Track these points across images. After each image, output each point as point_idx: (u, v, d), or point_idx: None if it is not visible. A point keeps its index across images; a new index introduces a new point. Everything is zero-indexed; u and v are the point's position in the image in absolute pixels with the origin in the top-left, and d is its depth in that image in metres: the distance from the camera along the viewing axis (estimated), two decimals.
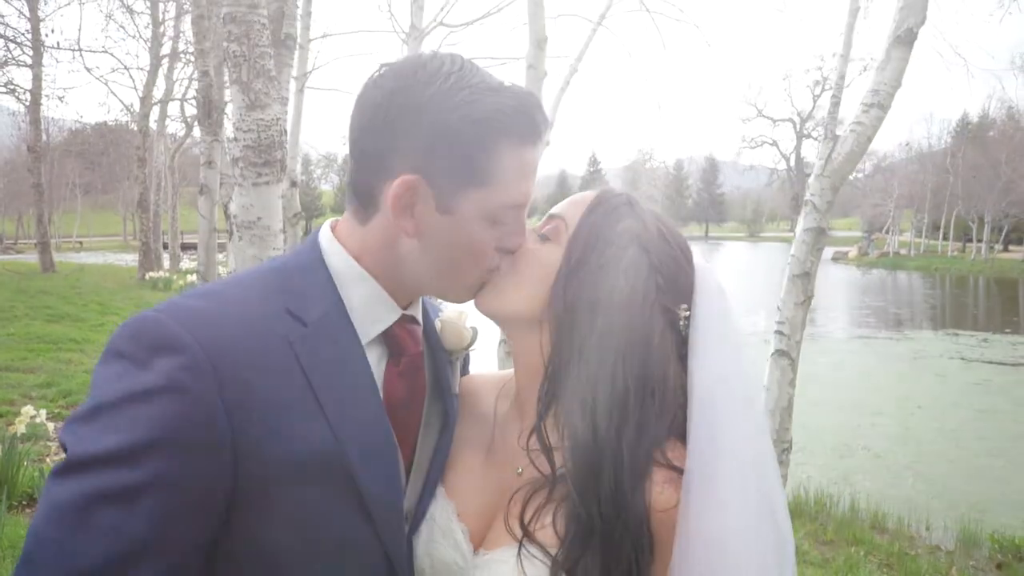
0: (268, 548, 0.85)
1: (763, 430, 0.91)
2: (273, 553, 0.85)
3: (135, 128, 21.40)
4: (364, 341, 0.94)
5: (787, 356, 3.35)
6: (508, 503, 0.95)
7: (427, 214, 0.92)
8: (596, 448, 0.87)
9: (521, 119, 0.91)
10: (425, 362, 1.05)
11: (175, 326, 0.82)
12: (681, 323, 0.95)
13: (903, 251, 51.32)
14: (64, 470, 0.78)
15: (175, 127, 23.90)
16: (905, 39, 3.25)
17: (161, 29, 19.05)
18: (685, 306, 0.95)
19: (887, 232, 55.58)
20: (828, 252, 55.36)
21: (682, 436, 0.89)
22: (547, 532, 0.90)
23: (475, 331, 1.13)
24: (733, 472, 0.83)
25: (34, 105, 20.60)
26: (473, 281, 0.99)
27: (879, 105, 3.28)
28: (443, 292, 1.02)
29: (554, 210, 1.04)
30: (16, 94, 21.08)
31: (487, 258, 0.97)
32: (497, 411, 1.08)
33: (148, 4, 18.42)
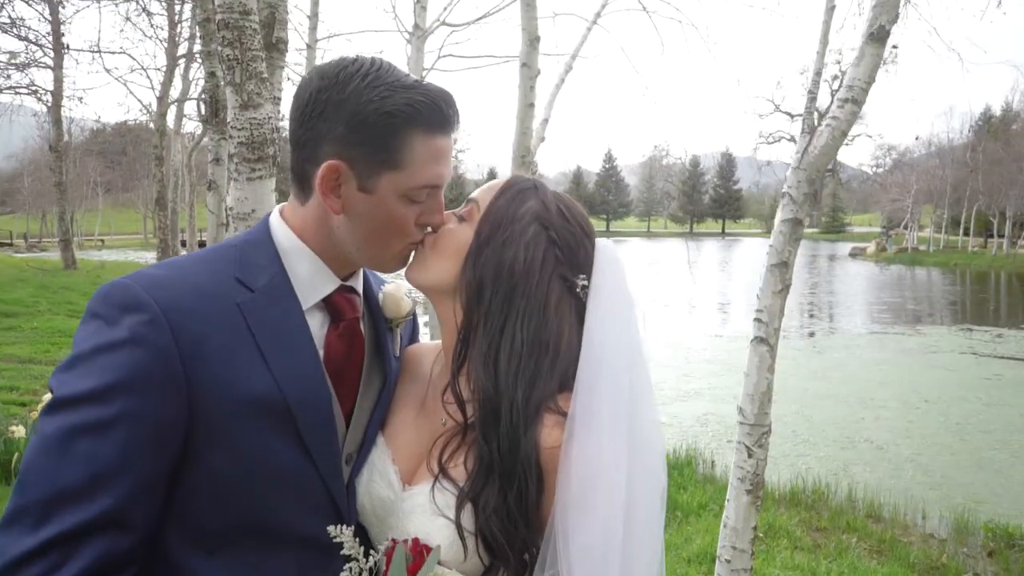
0: (220, 477, 1.01)
1: (644, 386, 1.05)
2: (225, 482, 1.02)
3: (153, 127, 21.80)
4: (305, 306, 1.11)
5: (766, 343, 3.46)
6: (431, 448, 1.11)
7: (350, 194, 1.07)
8: (497, 398, 1.03)
9: (430, 111, 1.06)
10: (365, 328, 1.21)
11: (139, 290, 0.98)
12: (579, 290, 1.10)
13: (922, 247, 50.71)
14: (50, 409, 0.95)
15: (192, 126, 24.31)
16: (878, 36, 3.34)
17: (177, 30, 19.37)
18: (584, 276, 1.10)
19: (906, 228, 54.97)
20: (845, 248, 55.04)
21: None
22: (459, 470, 1.06)
23: (414, 303, 1.28)
24: (608, 417, 0.98)
25: (55, 106, 21.06)
26: (397, 252, 1.14)
27: (853, 100, 3.38)
28: (372, 263, 1.17)
29: (472, 195, 1.19)
30: (38, 95, 21.56)
31: (408, 232, 1.12)
32: (432, 372, 1.24)
33: (164, 6, 18.75)
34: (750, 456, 3.50)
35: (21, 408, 6.44)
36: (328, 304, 1.14)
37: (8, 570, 0.91)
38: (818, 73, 3.57)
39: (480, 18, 6.81)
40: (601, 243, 1.14)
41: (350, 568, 0.94)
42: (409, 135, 1.05)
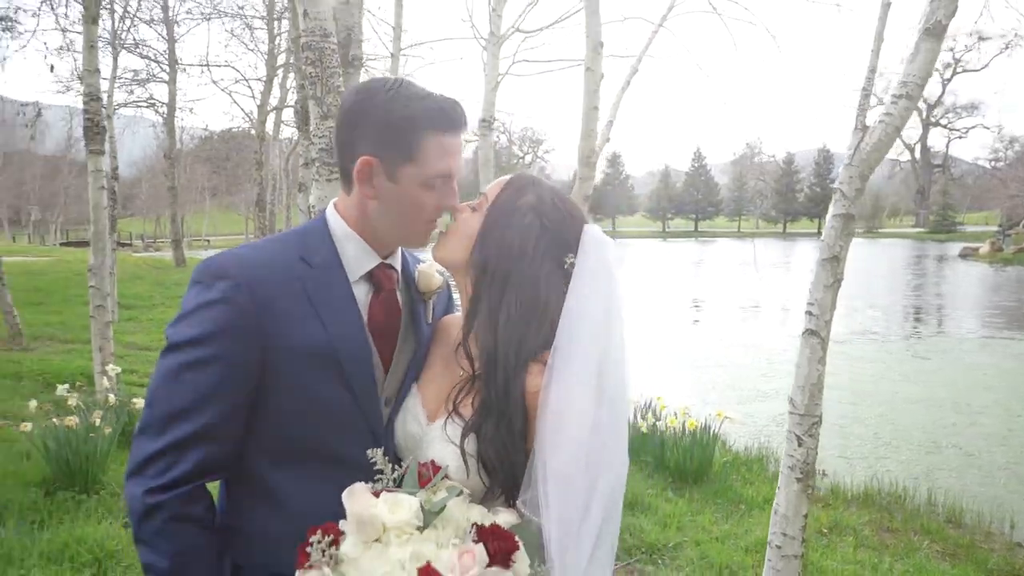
0: (284, 408, 1.32)
1: (618, 345, 1.29)
2: (288, 412, 1.33)
3: (254, 134, 23.29)
4: (352, 279, 1.41)
5: (816, 335, 3.53)
6: (450, 393, 1.38)
7: (381, 183, 1.36)
8: (495, 353, 1.30)
9: (441, 116, 1.34)
10: (402, 298, 1.49)
11: (227, 263, 1.32)
12: (567, 266, 1.34)
13: None
14: (165, 351, 1.29)
15: (288, 132, 25.78)
16: (934, 31, 3.34)
17: (276, 43, 20.67)
18: (572, 255, 1.35)
19: None
20: (955, 248, 51.42)
21: None
22: (467, 409, 1.33)
23: (445, 279, 1.55)
24: (580, 367, 1.22)
25: (170, 117, 22.87)
26: (420, 230, 1.42)
27: (907, 96, 3.40)
28: (401, 239, 1.46)
29: (483, 189, 1.45)
30: (155, 107, 23.45)
31: (428, 213, 1.39)
32: (456, 337, 1.50)
33: (265, 22, 20.04)
34: (800, 445, 3.58)
35: (140, 388, 7.18)
36: (371, 277, 1.43)
37: (139, 466, 1.28)
38: (872, 71, 3.60)
39: (551, 24, 7.06)
40: (588, 228, 1.38)
41: (380, 479, 1.21)
42: (425, 135, 1.33)
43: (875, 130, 3.45)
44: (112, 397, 5.49)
